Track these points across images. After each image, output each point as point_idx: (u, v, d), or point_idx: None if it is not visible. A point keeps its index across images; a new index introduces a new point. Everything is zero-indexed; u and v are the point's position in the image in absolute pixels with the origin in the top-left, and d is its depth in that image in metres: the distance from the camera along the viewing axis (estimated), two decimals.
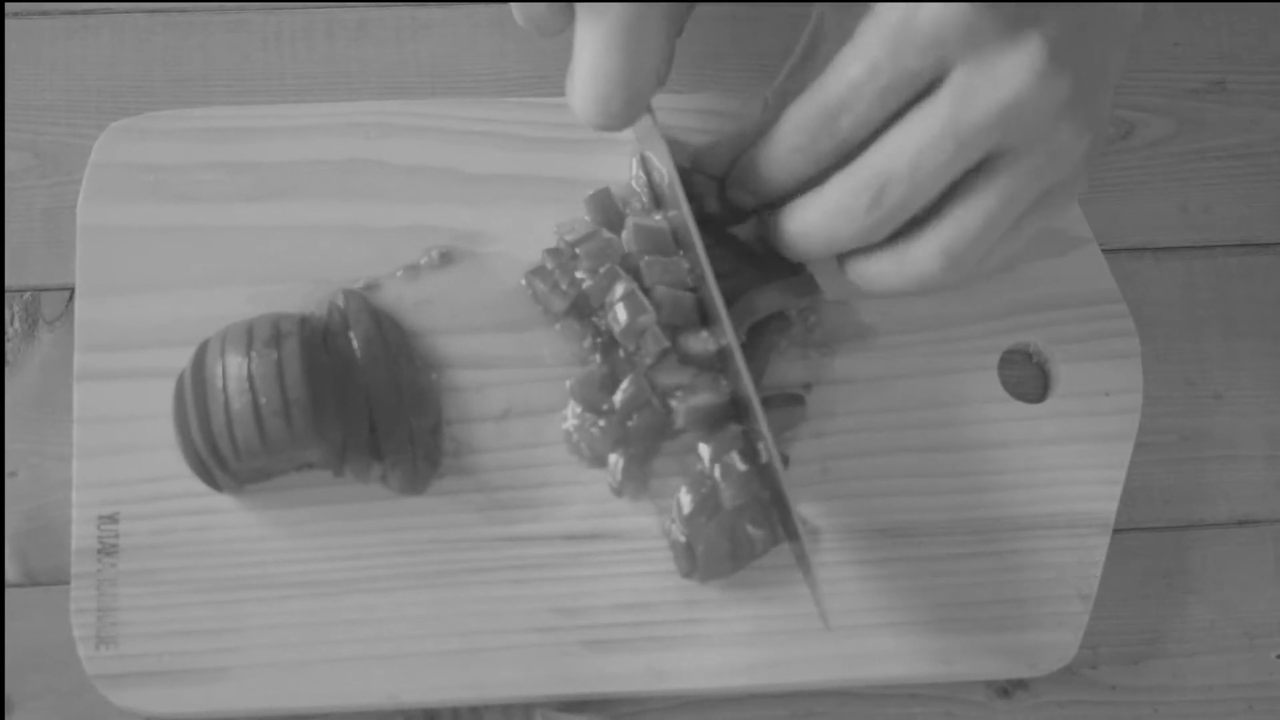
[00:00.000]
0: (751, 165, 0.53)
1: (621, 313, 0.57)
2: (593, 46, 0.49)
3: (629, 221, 0.58)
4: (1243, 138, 0.66)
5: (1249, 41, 0.67)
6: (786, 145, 0.51)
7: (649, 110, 0.53)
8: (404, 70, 0.65)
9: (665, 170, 0.56)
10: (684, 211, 0.55)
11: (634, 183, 0.61)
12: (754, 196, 0.55)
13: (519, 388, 0.59)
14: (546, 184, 0.61)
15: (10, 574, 0.59)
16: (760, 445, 0.56)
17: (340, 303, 0.59)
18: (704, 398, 0.57)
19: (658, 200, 0.60)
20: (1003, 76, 0.47)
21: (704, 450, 0.58)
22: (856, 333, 0.60)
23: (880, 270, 0.52)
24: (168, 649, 0.56)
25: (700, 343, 0.57)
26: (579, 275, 0.58)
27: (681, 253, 0.58)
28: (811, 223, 0.52)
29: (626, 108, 0.50)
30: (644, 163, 0.60)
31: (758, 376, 0.58)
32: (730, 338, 0.55)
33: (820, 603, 0.55)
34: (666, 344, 0.57)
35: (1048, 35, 0.48)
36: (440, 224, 0.60)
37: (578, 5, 0.49)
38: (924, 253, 0.50)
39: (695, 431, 0.58)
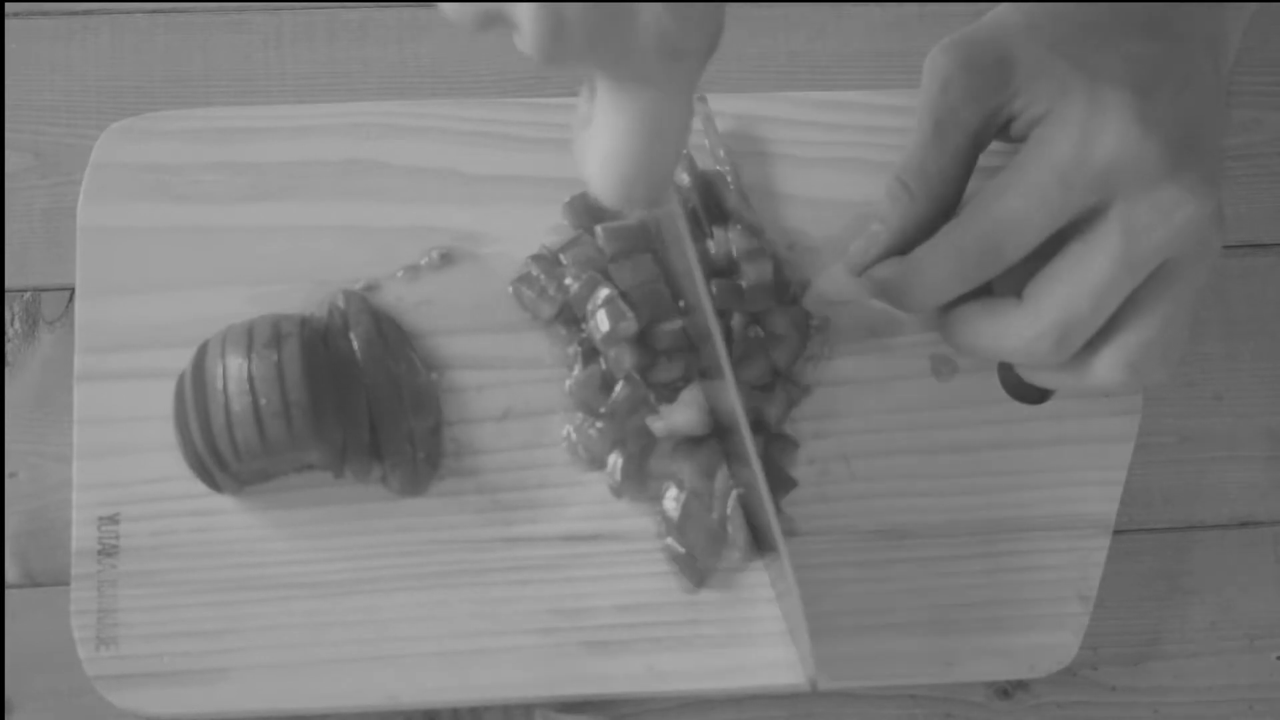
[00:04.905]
0: (906, 285, 0.54)
1: (603, 320, 0.57)
2: (617, 130, 0.44)
3: (598, 228, 0.59)
4: (1243, 138, 0.66)
5: (1249, 42, 0.67)
6: (947, 271, 0.52)
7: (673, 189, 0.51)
8: (405, 70, 0.65)
9: (683, 250, 0.55)
10: (693, 267, 0.55)
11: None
12: (898, 307, 0.55)
13: (519, 388, 0.59)
14: (546, 184, 0.61)
15: (10, 575, 0.59)
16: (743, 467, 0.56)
17: (340, 303, 0.59)
18: (682, 419, 0.57)
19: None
20: (1171, 206, 0.49)
21: (685, 468, 0.58)
22: (857, 334, 0.60)
23: (1062, 383, 0.55)
24: (168, 650, 0.56)
25: (671, 326, 0.58)
26: (567, 281, 0.58)
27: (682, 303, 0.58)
28: (1003, 352, 0.54)
29: (651, 191, 0.46)
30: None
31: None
32: (725, 366, 0.55)
33: (804, 650, 0.55)
34: (632, 360, 0.57)
35: (1205, 164, 0.50)
36: (440, 224, 0.60)
37: (601, 86, 0.44)
38: (1106, 368, 0.52)
39: (676, 451, 0.58)
